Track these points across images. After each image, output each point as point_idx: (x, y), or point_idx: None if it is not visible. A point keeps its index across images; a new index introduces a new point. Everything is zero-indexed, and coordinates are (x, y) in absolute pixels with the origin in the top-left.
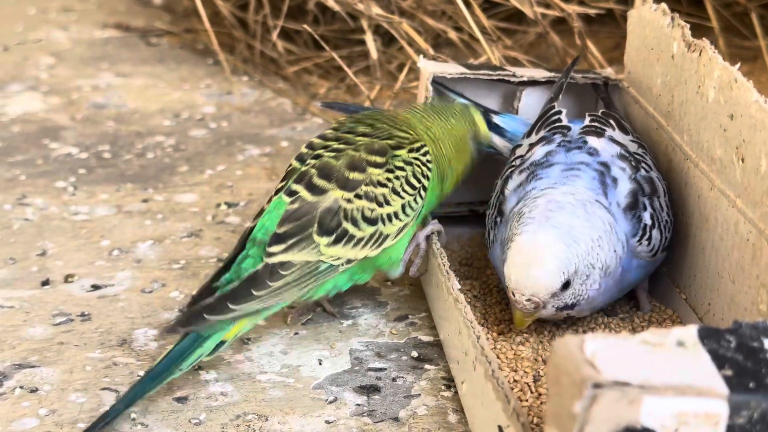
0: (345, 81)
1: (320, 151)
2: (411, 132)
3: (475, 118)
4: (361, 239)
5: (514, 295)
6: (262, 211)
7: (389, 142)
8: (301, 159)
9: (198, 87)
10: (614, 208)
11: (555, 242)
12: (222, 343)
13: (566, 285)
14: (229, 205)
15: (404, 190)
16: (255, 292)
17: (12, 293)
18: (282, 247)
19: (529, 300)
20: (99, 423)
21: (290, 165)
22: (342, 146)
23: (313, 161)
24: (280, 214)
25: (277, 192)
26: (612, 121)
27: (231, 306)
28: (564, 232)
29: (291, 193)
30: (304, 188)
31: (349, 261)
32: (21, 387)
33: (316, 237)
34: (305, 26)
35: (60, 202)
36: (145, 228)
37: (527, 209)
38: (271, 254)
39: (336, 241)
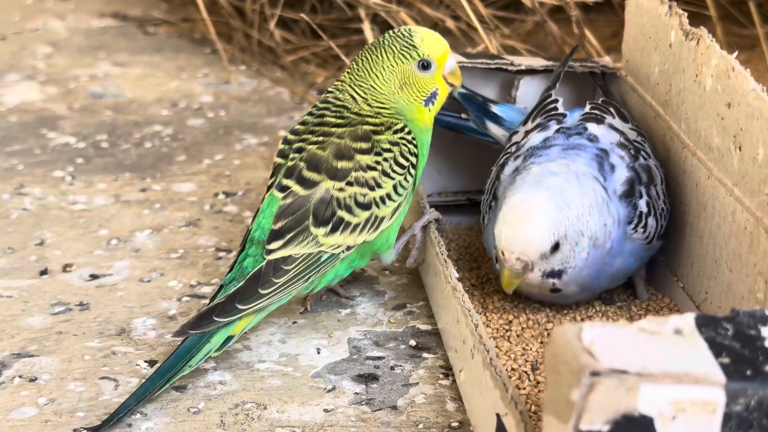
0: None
1: (299, 145)
2: (382, 115)
3: (415, 42)
4: (357, 225)
5: (503, 254)
6: (258, 210)
7: (368, 127)
8: (282, 155)
9: (195, 76)
10: (611, 192)
11: (546, 202)
12: (230, 338)
13: (555, 247)
14: (227, 194)
15: (394, 171)
16: (261, 291)
17: (10, 283)
18: (281, 242)
19: (518, 259)
20: (109, 420)
21: (275, 162)
22: (321, 138)
23: (296, 155)
24: (274, 211)
25: (268, 189)
26: (612, 109)
27: (239, 306)
28: (555, 193)
29: (282, 189)
30: (295, 182)
31: (348, 248)
32: (20, 376)
33: (312, 229)
34: (303, 15)
35: (58, 192)
36: (143, 217)
37: (520, 177)
38: (270, 251)
39: (333, 230)
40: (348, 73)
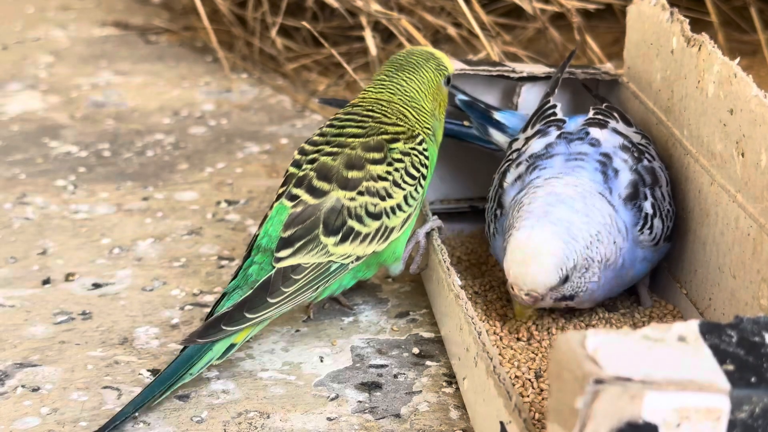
0: (344, 78)
1: (314, 156)
2: (402, 123)
3: (442, 60)
4: (367, 235)
5: (513, 289)
6: (266, 217)
7: (384, 137)
8: (297, 165)
9: (197, 85)
10: (615, 198)
11: (552, 239)
12: (232, 346)
13: (565, 279)
14: (229, 202)
15: (405, 181)
16: (270, 299)
17: (13, 292)
18: (290, 251)
19: (528, 294)
20: (107, 426)
21: (287, 171)
22: (336, 149)
23: (309, 165)
24: (283, 219)
25: (278, 198)
26: (616, 114)
27: (248, 315)
28: (562, 228)
29: (292, 198)
30: (305, 191)
31: (358, 258)
32: (23, 386)
33: (322, 238)
34: (304, 23)
35: (60, 201)
36: (145, 226)
37: (527, 200)
38: (280, 259)
39: (343, 240)
40: (389, 93)
